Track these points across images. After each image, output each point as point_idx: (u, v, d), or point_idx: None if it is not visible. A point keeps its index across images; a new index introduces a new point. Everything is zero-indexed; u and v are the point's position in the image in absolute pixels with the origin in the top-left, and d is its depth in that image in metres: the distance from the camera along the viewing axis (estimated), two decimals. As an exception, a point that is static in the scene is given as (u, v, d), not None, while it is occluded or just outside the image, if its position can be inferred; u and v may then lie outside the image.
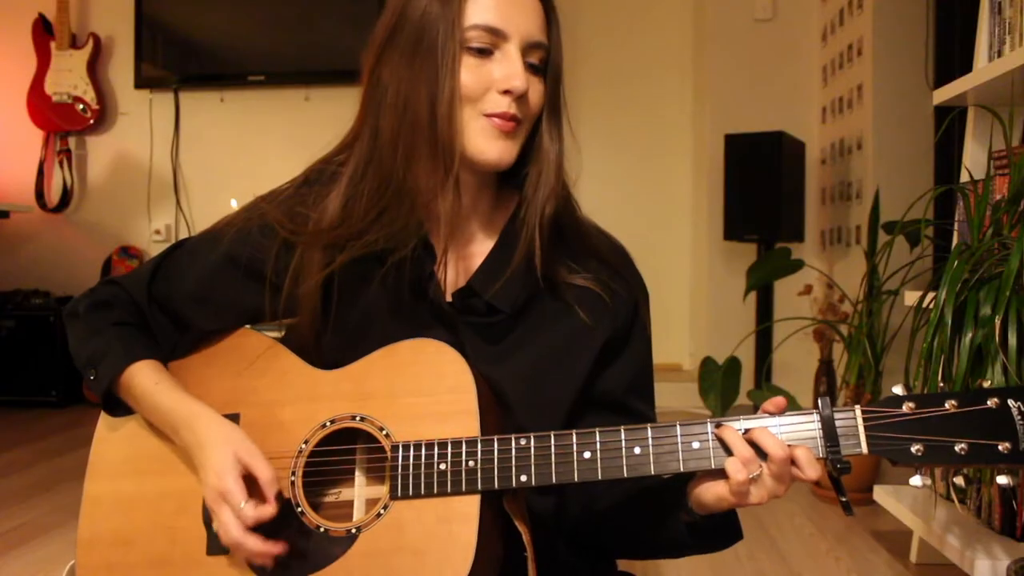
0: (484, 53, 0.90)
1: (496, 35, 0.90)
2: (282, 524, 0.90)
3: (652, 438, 0.85)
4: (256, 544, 0.88)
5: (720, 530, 0.91)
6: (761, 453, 0.82)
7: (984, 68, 1.76)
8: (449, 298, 0.98)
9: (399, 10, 0.93)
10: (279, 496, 0.90)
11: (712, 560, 2.04)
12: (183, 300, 1.03)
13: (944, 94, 1.89)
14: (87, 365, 1.00)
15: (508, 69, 0.90)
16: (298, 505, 0.92)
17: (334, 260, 0.95)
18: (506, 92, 0.90)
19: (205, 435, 0.92)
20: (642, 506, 0.98)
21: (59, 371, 3.87)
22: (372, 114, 0.96)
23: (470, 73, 0.90)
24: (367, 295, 0.98)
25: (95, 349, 0.99)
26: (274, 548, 0.88)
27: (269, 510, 0.89)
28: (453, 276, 0.98)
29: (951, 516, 1.83)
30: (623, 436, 0.85)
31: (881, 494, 2.07)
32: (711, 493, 0.85)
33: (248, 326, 1.04)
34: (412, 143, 0.92)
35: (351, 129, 1.00)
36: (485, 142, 0.91)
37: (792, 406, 0.86)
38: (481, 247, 1.00)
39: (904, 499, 1.98)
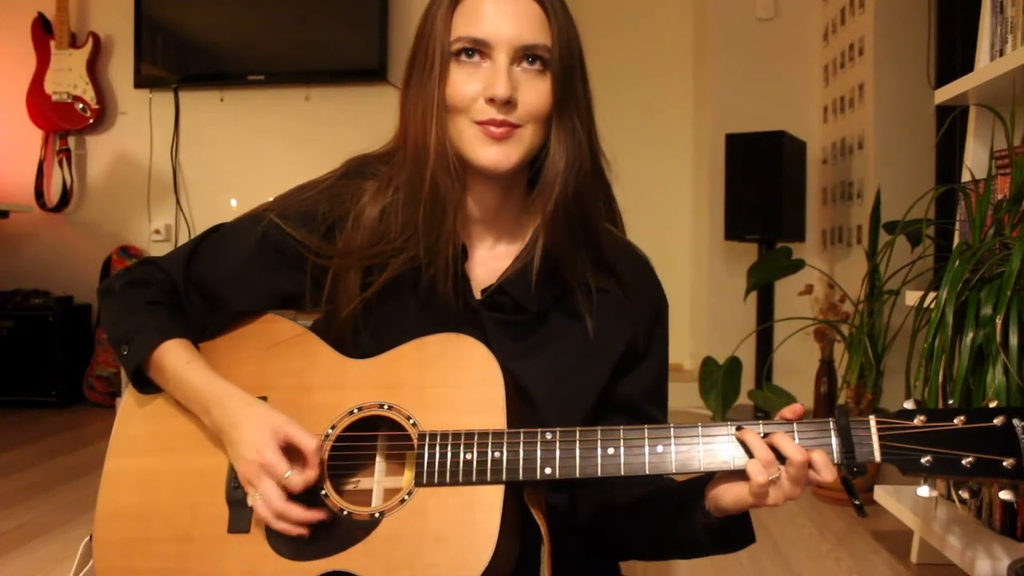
0: (473, 63, 0.94)
1: (481, 45, 0.93)
2: (306, 507, 0.91)
3: (675, 438, 0.88)
4: (299, 512, 0.89)
5: (735, 532, 0.94)
6: (780, 456, 0.84)
7: (986, 67, 1.75)
8: (479, 295, 1.01)
9: (418, 28, 0.98)
10: (320, 464, 0.91)
11: (714, 560, 2.04)
12: (220, 281, 1.04)
13: (945, 93, 1.89)
14: (120, 341, 1.01)
15: (491, 78, 0.93)
16: (322, 488, 0.93)
17: (372, 274, 0.98)
18: (491, 100, 0.92)
19: (239, 414, 0.94)
20: (660, 506, 1.00)
21: (59, 371, 3.86)
22: (404, 126, 1.00)
23: (461, 83, 0.94)
24: (400, 295, 1.00)
25: (129, 326, 1.01)
26: (316, 515, 0.90)
27: (313, 473, 0.90)
28: (483, 275, 1.02)
29: (952, 516, 1.83)
30: (647, 434, 0.88)
31: (882, 494, 2.06)
32: (730, 495, 0.88)
33: (275, 313, 1.06)
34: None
35: (394, 137, 1.03)
36: (480, 149, 0.94)
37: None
38: (510, 248, 1.03)
39: (905, 499, 1.98)
